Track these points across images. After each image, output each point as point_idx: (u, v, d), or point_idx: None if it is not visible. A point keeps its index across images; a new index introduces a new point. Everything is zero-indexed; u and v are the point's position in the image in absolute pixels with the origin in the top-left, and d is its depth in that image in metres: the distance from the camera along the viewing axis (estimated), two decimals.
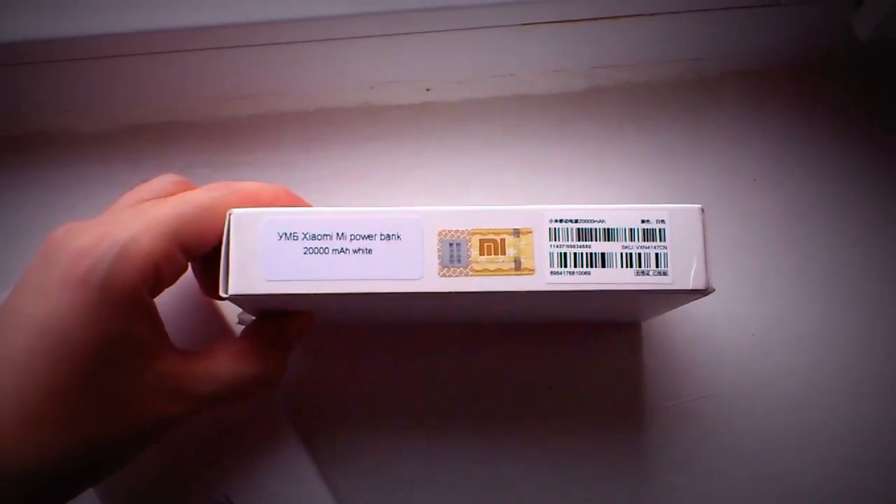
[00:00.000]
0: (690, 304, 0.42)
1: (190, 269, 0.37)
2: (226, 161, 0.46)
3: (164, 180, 0.35)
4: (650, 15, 0.42)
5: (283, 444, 0.39)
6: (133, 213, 0.31)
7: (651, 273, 0.30)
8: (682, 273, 0.30)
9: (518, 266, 0.30)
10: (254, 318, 0.38)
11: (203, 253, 0.32)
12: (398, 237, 0.30)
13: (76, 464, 0.29)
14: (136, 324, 0.30)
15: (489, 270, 0.30)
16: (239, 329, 0.41)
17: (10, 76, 0.43)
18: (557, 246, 0.30)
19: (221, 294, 0.30)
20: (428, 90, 0.46)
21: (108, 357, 0.29)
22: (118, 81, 0.45)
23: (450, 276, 0.30)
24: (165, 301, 0.33)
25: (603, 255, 0.30)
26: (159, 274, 0.30)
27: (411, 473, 0.42)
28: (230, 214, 0.30)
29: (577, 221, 0.30)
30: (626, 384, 0.43)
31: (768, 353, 0.43)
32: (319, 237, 0.30)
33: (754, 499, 0.42)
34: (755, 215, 0.45)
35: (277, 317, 0.36)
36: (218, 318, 0.41)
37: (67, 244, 0.30)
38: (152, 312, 0.31)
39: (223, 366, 0.33)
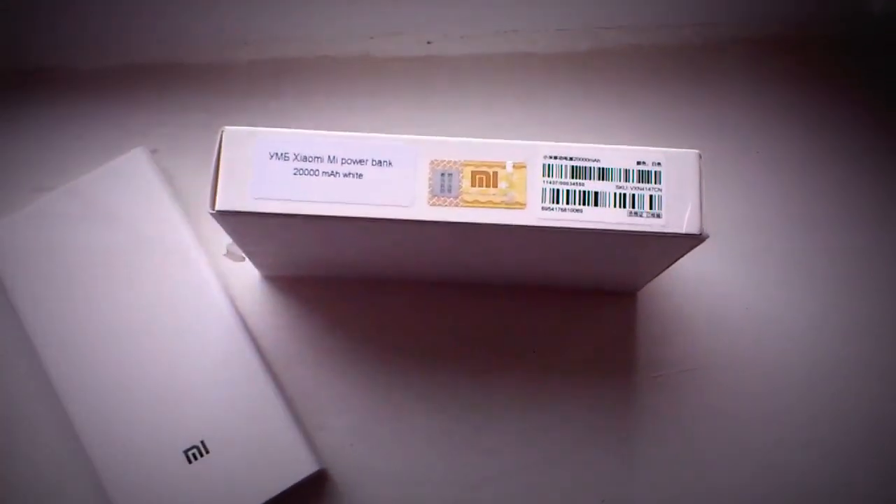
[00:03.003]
0: (687, 276, 0.42)
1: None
2: (223, 106, 0.45)
3: None
4: None
5: (259, 392, 0.39)
6: None
7: (644, 215, 0.30)
8: (676, 216, 0.30)
9: (509, 200, 0.30)
10: (242, 252, 0.37)
11: None
12: (389, 164, 0.30)
13: None
14: None
15: (479, 202, 0.30)
16: (227, 261, 0.41)
17: (6, 7, 0.42)
18: (550, 182, 0.30)
19: (209, 210, 0.29)
20: (429, 43, 0.46)
21: None
22: (118, 18, 0.44)
23: (439, 205, 0.30)
24: None
25: (596, 193, 0.30)
26: None
27: (388, 429, 0.41)
28: (223, 131, 0.30)
29: (571, 159, 0.30)
30: (617, 352, 0.42)
31: (760, 331, 0.43)
32: (311, 159, 0.30)
33: (733, 474, 0.41)
34: (757, 189, 0.44)
35: None
36: None
37: None
38: None
39: None
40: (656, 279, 0.39)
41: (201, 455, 0.38)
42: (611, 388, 0.42)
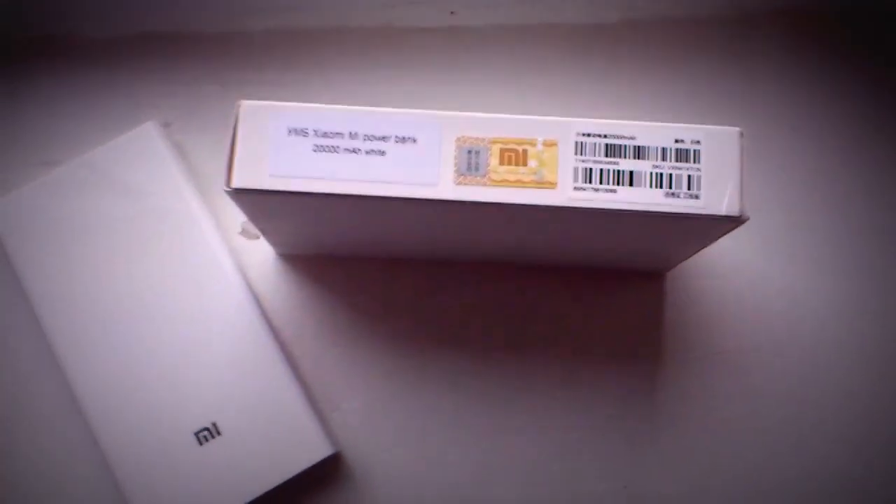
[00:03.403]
0: (717, 256, 0.40)
1: None
2: (236, 79, 0.44)
3: None
4: None
5: (273, 372, 0.38)
6: None
7: (682, 195, 0.28)
8: (716, 198, 0.28)
9: (540, 179, 0.28)
10: (256, 230, 0.36)
11: None
12: (413, 140, 0.28)
13: None
14: None
15: (509, 181, 0.28)
16: (241, 238, 0.40)
17: None
18: (583, 161, 0.28)
19: (224, 188, 0.28)
20: (452, 13, 0.44)
21: None
22: None
23: (466, 184, 0.28)
24: None
25: (631, 173, 0.28)
26: None
27: (405, 411, 0.40)
28: (239, 105, 0.28)
29: (605, 136, 0.29)
30: (643, 335, 0.41)
31: (792, 314, 0.41)
32: (331, 135, 0.28)
33: (760, 460, 0.40)
34: (791, 168, 0.42)
35: None
36: None
37: None
38: None
39: None
40: (686, 260, 0.38)
41: (213, 437, 0.37)
42: (636, 372, 0.40)
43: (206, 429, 0.37)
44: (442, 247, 0.38)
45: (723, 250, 0.40)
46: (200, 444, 0.37)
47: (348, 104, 0.42)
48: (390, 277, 0.41)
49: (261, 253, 0.41)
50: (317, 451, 0.37)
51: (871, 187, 0.42)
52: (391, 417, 0.40)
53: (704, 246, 0.34)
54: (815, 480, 0.40)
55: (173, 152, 0.40)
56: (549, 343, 0.41)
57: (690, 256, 0.36)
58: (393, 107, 0.41)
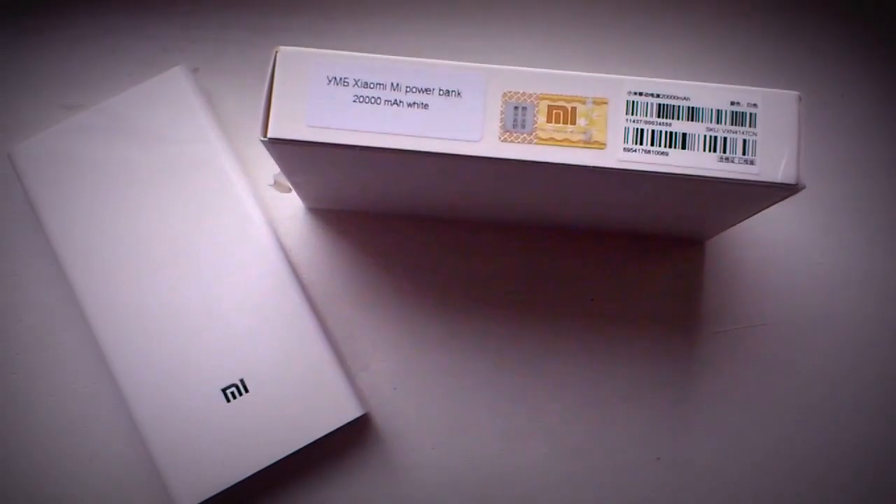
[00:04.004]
0: (759, 225, 0.39)
1: None
2: (265, 25, 0.42)
3: None
4: None
5: (302, 329, 0.37)
6: None
7: (736, 161, 0.27)
8: (771, 164, 0.27)
9: (588, 138, 0.27)
10: (289, 183, 0.35)
11: None
12: (458, 94, 0.27)
13: None
14: None
15: (556, 140, 0.27)
16: (269, 190, 0.39)
17: None
18: (634, 120, 0.27)
19: (260, 138, 0.27)
20: None
21: None
22: None
23: (512, 141, 0.27)
24: None
25: (684, 135, 0.27)
26: None
27: (434, 374, 0.39)
28: (277, 52, 0.27)
29: (658, 96, 0.27)
30: (680, 304, 0.40)
31: (833, 286, 0.40)
32: (372, 85, 0.27)
33: (796, 436, 0.39)
34: (839, 135, 0.41)
35: None
36: None
37: None
38: None
39: None
40: (728, 228, 0.37)
41: (240, 394, 0.36)
42: (672, 341, 0.39)
43: (234, 385, 0.36)
44: (477, 207, 0.37)
45: (765, 219, 0.39)
46: (228, 400, 0.36)
47: (381, 53, 0.41)
48: (423, 236, 0.40)
49: (290, 207, 0.40)
50: (346, 411, 0.36)
51: None
52: (421, 379, 0.39)
53: (752, 214, 0.32)
54: (850, 456, 0.39)
55: (202, 99, 0.39)
56: (582, 308, 0.40)
57: (734, 225, 0.35)
58: (429, 58, 0.40)
